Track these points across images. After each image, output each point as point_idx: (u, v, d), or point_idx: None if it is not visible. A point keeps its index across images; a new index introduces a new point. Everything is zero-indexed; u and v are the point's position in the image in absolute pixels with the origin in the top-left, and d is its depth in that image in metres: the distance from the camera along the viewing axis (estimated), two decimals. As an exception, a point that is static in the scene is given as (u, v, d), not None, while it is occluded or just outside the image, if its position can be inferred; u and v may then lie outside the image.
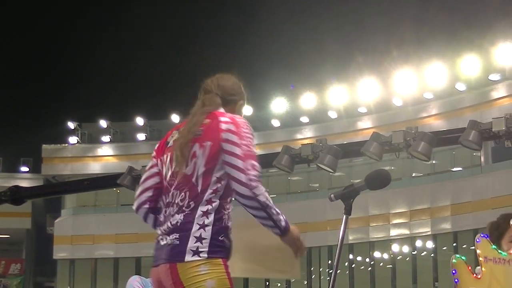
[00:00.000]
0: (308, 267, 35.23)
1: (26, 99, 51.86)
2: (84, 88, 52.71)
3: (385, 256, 34.04)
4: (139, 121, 39.49)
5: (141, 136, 39.70)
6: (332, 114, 36.03)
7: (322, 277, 35.06)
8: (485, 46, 30.53)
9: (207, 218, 3.84)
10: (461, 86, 32.46)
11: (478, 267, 4.57)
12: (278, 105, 37.10)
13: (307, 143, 16.37)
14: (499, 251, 4.55)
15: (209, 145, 3.91)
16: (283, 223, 3.89)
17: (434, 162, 31.24)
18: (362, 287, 33.87)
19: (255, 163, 3.87)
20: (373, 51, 35.49)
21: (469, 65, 30.81)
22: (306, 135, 36.04)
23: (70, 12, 57.38)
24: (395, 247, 33.50)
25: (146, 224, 4.17)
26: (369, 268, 33.93)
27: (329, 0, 41.33)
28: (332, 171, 15.66)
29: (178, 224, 3.86)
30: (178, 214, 3.89)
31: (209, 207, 3.85)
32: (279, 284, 36.50)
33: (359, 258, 34.53)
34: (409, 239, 32.96)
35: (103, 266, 38.69)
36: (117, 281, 37.82)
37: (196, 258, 3.78)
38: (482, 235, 4.57)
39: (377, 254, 34.16)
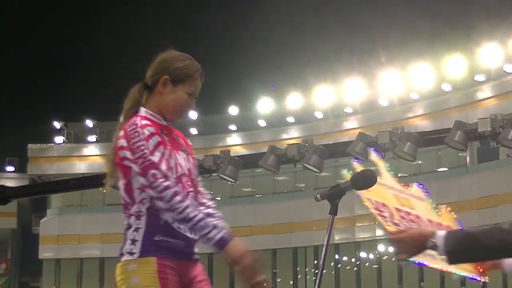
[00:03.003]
0: (294, 267, 35.25)
1: (12, 99, 51.68)
2: (70, 87, 52.60)
3: (371, 256, 34.08)
4: (125, 121, 39.35)
5: (127, 136, 39.48)
6: (318, 114, 36.07)
7: (308, 277, 35.07)
8: (470, 47, 30.63)
9: (140, 220, 3.88)
10: (446, 87, 32.55)
11: None
12: (264, 105, 37.10)
13: (293, 143, 16.43)
14: None
15: (116, 159, 3.93)
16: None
17: (419, 162, 31.30)
18: (348, 287, 33.91)
19: (154, 170, 3.81)
20: (359, 51, 35.59)
21: (454, 66, 30.90)
22: (292, 135, 36.03)
23: (56, 11, 57.18)
24: (381, 247, 33.54)
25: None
26: (355, 268, 33.97)
27: (315, 1, 41.39)
28: (318, 171, 15.71)
29: (125, 227, 3.95)
30: (125, 217, 3.96)
31: (141, 212, 3.89)
32: (264, 284, 36.43)
33: (345, 258, 34.56)
34: (395, 239, 32.97)
35: (89, 266, 38.56)
36: (103, 281, 37.71)
37: (128, 257, 3.87)
38: None
39: (363, 254, 34.21)
